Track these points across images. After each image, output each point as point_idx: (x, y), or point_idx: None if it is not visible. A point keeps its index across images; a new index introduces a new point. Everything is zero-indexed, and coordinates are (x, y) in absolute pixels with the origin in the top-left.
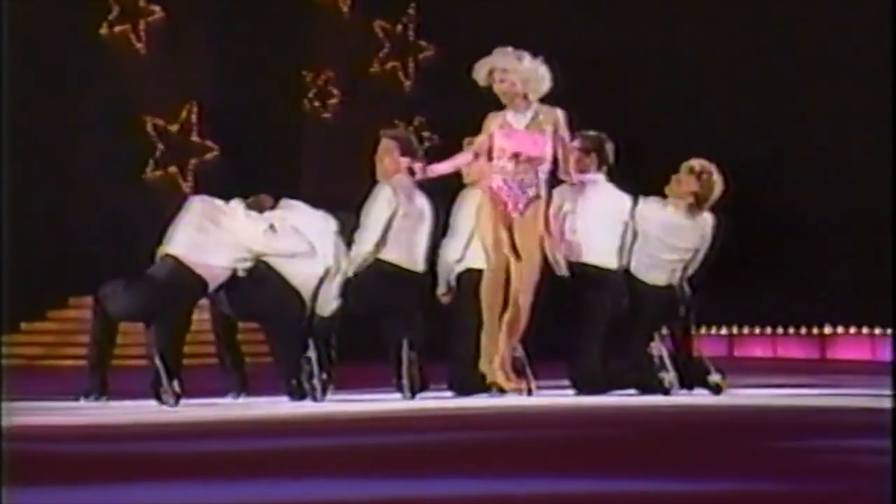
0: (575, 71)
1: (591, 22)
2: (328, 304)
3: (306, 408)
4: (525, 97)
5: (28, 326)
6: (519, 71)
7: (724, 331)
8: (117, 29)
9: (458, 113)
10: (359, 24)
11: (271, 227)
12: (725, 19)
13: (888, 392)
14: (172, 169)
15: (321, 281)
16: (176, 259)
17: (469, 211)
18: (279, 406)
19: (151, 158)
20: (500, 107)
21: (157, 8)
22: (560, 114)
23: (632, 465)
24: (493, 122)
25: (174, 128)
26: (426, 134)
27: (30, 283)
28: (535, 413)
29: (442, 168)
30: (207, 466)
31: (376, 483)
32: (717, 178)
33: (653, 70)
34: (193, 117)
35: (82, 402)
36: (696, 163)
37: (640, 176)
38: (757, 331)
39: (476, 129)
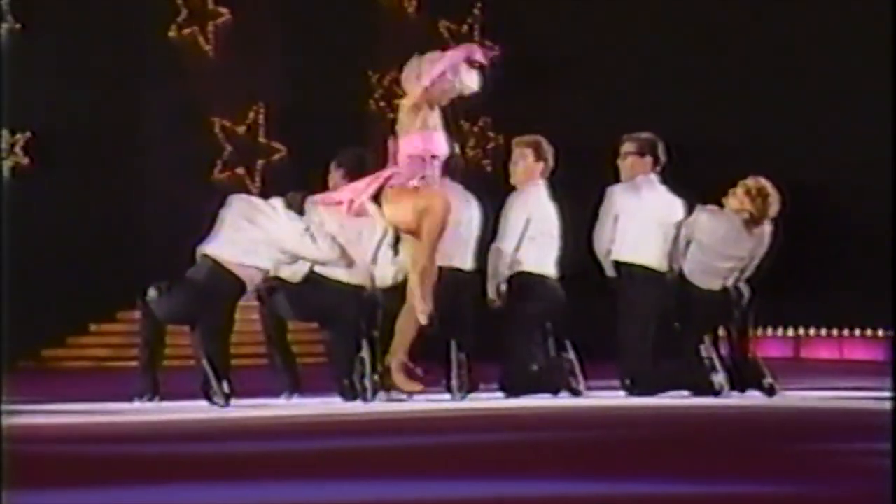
0: (636, 75)
1: (655, 28)
2: (386, 272)
3: (357, 408)
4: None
5: (97, 328)
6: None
7: (790, 332)
8: (185, 31)
9: (524, 113)
10: (424, 24)
11: (307, 230)
12: (785, 34)
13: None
14: (240, 170)
15: (374, 260)
16: (213, 260)
17: (518, 214)
18: (330, 406)
19: (219, 160)
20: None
21: (224, 10)
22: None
23: (656, 467)
24: (411, 116)
25: (242, 129)
26: (491, 134)
27: (98, 284)
28: (585, 414)
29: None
30: (256, 466)
31: (425, 483)
32: (773, 199)
33: (716, 77)
34: (261, 118)
35: (136, 404)
36: (753, 183)
37: (698, 183)
38: (823, 332)
39: (539, 129)
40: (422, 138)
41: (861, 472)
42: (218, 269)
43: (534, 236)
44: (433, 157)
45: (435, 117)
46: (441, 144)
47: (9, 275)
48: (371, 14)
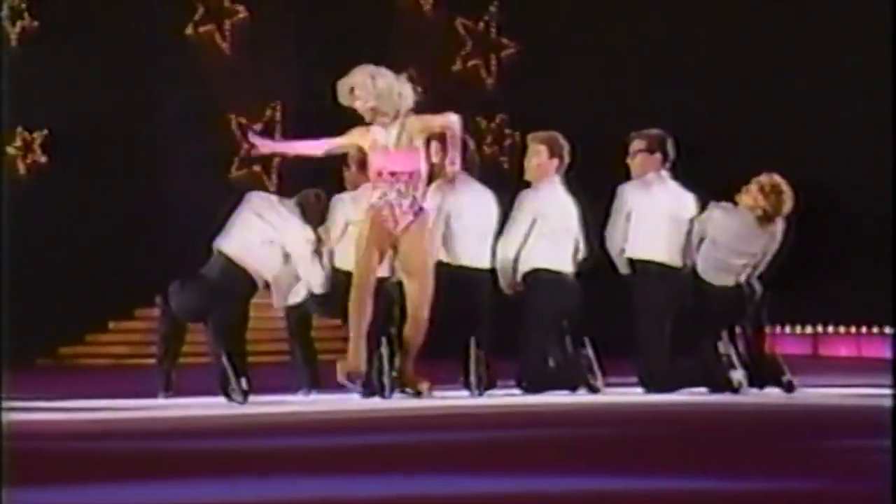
0: (651, 73)
1: (671, 25)
2: None
3: (375, 404)
4: (387, 113)
5: (116, 326)
6: (371, 89)
7: (808, 329)
8: (202, 29)
9: (540, 110)
10: (441, 22)
11: (315, 243)
12: (795, 31)
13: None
14: (257, 168)
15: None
16: (226, 256)
17: (525, 212)
18: (348, 403)
19: (236, 157)
20: None
21: (241, 8)
22: (429, 118)
23: (673, 463)
24: (361, 138)
25: (258, 127)
26: (508, 131)
27: (117, 282)
28: (603, 411)
29: (278, 147)
30: (273, 463)
31: (442, 479)
32: (786, 196)
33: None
34: (277, 116)
35: (160, 400)
36: (767, 180)
37: (712, 179)
38: (842, 330)
39: (556, 126)
40: (375, 156)
41: (879, 469)
42: (231, 266)
43: (545, 233)
44: (392, 174)
45: (387, 135)
46: (395, 162)
47: (27, 273)
48: (387, 11)
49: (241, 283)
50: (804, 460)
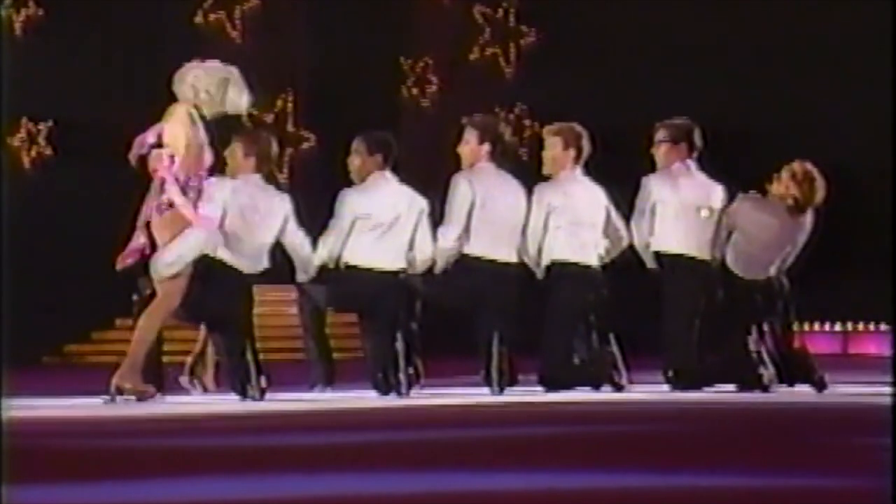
0: (674, 62)
1: (695, 12)
2: (425, 252)
3: (391, 401)
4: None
5: (122, 323)
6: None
7: (837, 327)
8: (212, 17)
9: (561, 100)
10: (458, 9)
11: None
12: (834, 21)
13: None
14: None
15: (411, 244)
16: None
17: (537, 204)
18: (363, 399)
19: None
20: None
21: None
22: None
23: (698, 461)
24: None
25: (270, 117)
26: (527, 122)
27: (124, 279)
28: (627, 408)
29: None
30: (285, 459)
31: (463, 476)
32: (819, 184)
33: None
34: (289, 106)
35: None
36: (799, 167)
37: (743, 171)
38: (871, 327)
39: (577, 116)
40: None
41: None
42: (216, 263)
43: (561, 225)
44: None
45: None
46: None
47: (32, 269)
48: None
49: (232, 278)
50: (826, 458)
